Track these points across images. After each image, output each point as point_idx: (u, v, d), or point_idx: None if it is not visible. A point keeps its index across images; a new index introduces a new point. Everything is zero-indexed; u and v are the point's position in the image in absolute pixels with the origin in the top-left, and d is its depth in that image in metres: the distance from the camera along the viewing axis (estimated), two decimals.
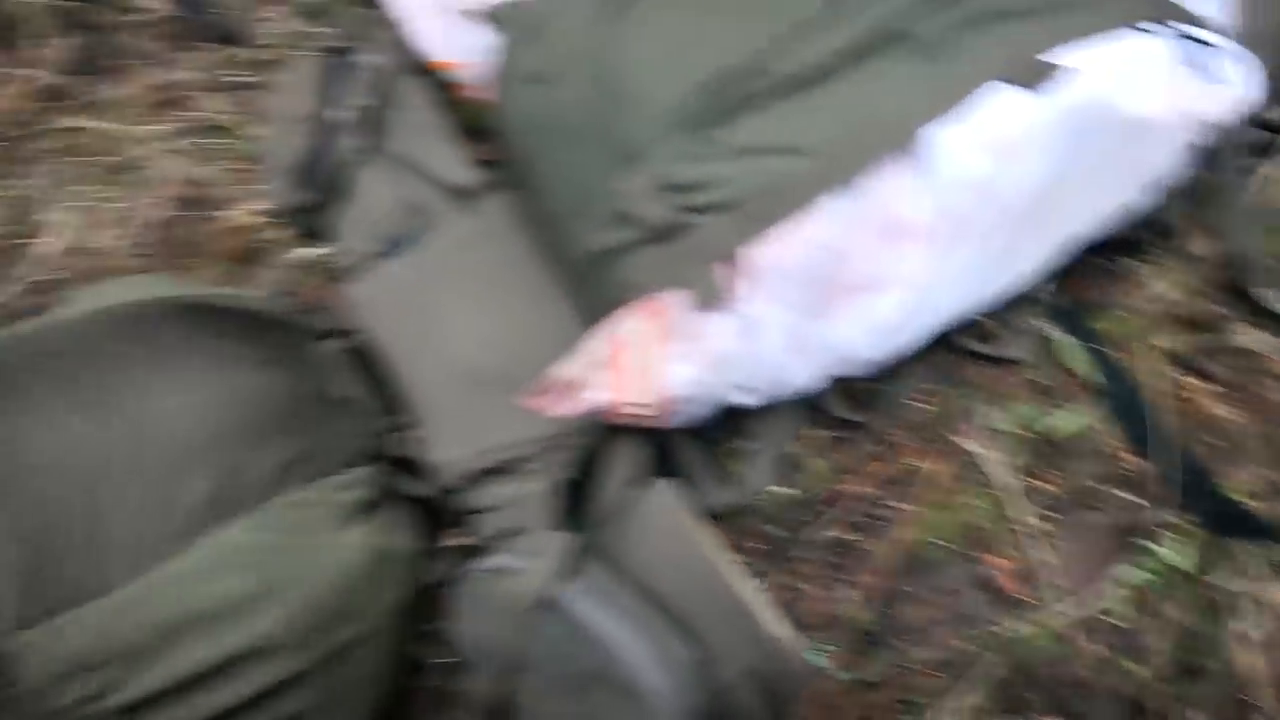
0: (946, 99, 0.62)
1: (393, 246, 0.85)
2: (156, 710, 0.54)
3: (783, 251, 0.62)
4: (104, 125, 1.04)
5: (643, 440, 0.70)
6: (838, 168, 0.62)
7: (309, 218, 0.92)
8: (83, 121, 1.04)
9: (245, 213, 0.97)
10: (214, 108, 1.04)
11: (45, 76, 1.06)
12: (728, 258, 0.63)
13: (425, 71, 0.88)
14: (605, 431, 0.71)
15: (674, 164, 0.64)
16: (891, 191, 0.63)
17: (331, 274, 0.92)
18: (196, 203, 0.99)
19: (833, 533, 0.73)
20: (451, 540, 0.77)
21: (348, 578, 0.62)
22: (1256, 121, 0.78)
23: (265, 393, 0.67)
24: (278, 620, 0.57)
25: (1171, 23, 0.66)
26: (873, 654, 0.69)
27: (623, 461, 0.69)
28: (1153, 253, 0.79)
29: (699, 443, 0.75)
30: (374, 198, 0.87)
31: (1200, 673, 0.64)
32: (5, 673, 0.51)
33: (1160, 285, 0.77)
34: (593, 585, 0.64)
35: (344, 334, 0.83)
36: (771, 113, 0.64)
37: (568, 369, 0.64)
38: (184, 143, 1.02)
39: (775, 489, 0.75)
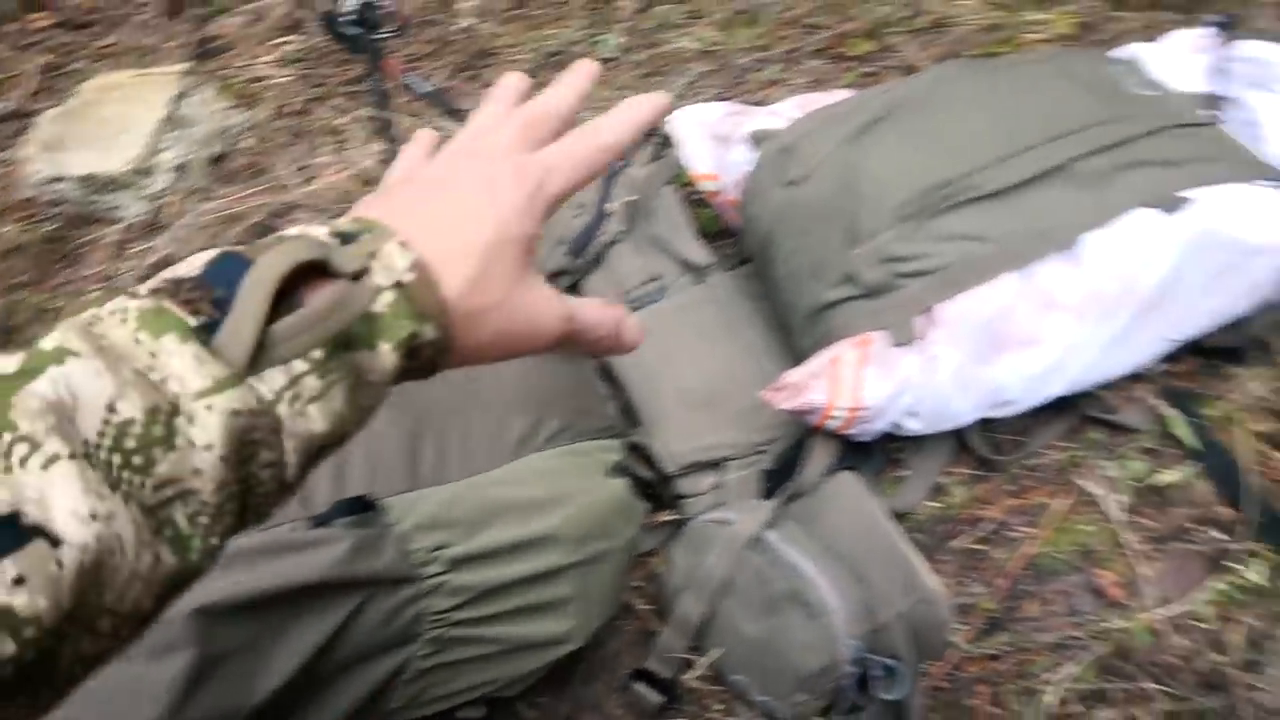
0: (1100, 214, 0.86)
1: (638, 302, 1.13)
2: (476, 566, 0.77)
3: (965, 309, 0.85)
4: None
5: (835, 445, 0.92)
6: (1013, 254, 0.86)
7: (567, 280, 1.20)
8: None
9: None
10: None
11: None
12: (923, 310, 0.87)
13: (675, 181, 1.17)
14: (802, 438, 0.94)
15: (894, 243, 0.88)
16: (1052, 276, 0.86)
17: None
18: None
19: (970, 544, 0.93)
20: (663, 518, 1.00)
21: (609, 506, 0.85)
22: None
23: (558, 372, 0.93)
24: (563, 519, 0.80)
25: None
26: (996, 635, 0.88)
27: (818, 457, 0.91)
28: (1251, 361, 0.99)
29: (869, 460, 0.97)
30: (626, 267, 1.15)
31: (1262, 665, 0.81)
32: (381, 522, 0.75)
33: (1255, 384, 0.96)
34: (790, 534, 0.85)
35: (598, 359, 1.10)
36: (969, 213, 0.88)
37: (796, 374, 0.88)
38: None
39: (926, 504, 0.96)
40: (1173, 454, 0.94)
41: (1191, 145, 0.90)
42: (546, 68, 1.63)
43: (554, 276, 1.21)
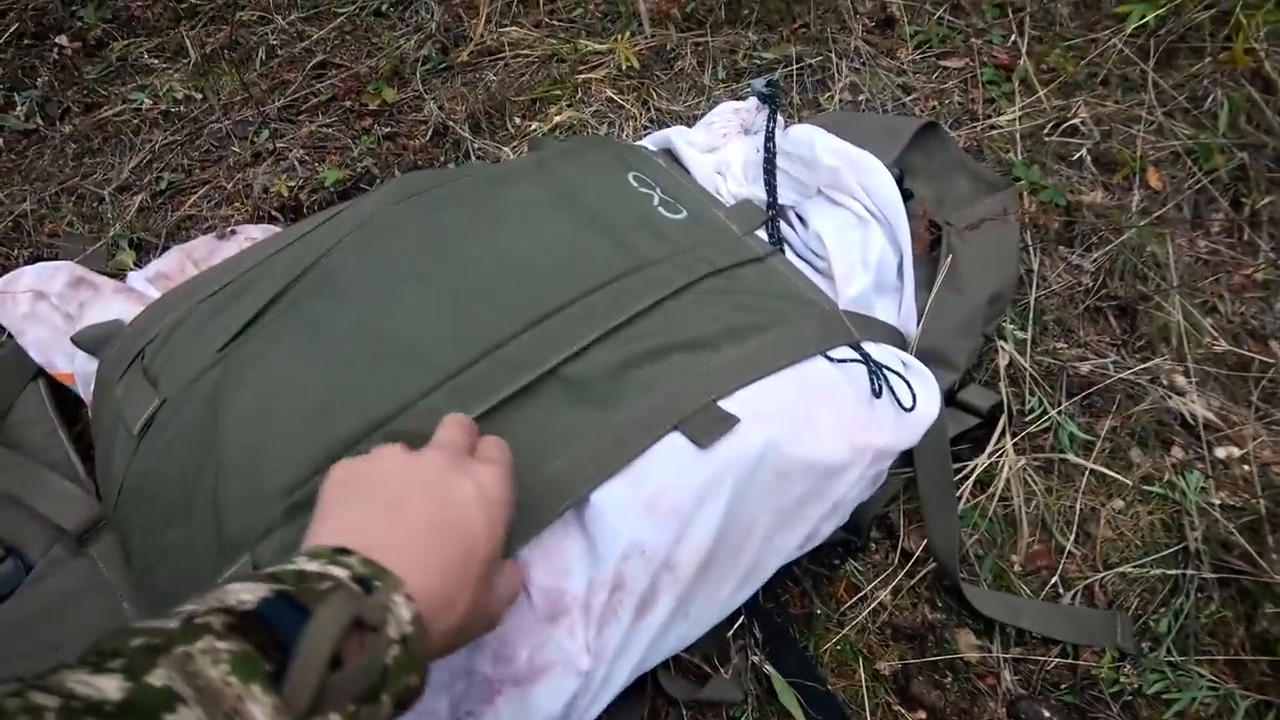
0: (613, 453, 0.53)
1: None
2: None
3: None
4: None
5: None
6: None
7: None
8: None
9: None
10: None
11: None
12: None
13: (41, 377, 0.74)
14: None
15: (281, 557, 0.51)
16: (552, 566, 0.53)
17: None
18: None
19: None
20: None
21: None
22: (962, 406, 0.75)
23: None
24: None
25: (860, 345, 0.61)
26: None
27: None
28: (866, 549, 0.73)
29: None
30: None
31: None
32: None
33: (881, 591, 0.71)
34: None
35: None
36: None
37: None
38: None
39: None
40: None
41: (734, 304, 0.60)
42: None
43: None
